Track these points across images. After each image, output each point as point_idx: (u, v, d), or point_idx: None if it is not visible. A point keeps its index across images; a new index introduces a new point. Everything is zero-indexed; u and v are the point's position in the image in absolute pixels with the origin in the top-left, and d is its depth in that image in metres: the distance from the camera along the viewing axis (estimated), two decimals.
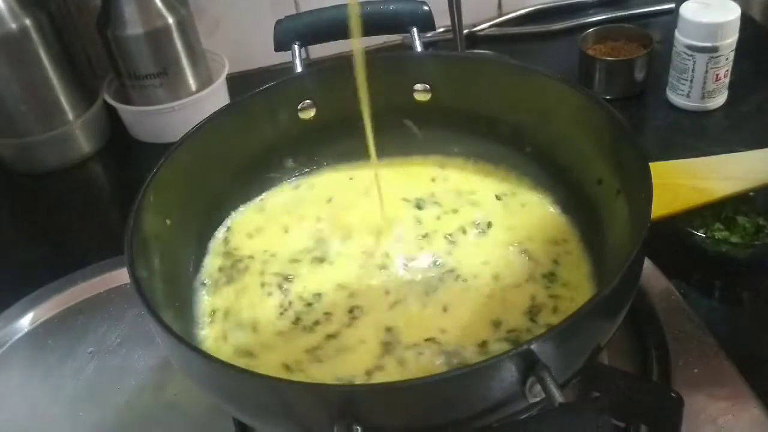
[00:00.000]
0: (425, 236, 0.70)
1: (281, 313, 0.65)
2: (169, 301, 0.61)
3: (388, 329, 0.62)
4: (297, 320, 0.64)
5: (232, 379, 0.51)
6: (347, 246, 0.70)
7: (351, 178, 0.77)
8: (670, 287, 0.74)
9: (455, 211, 0.72)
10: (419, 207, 0.73)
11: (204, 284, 0.69)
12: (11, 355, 0.78)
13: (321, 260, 0.70)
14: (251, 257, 0.71)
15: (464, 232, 0.70)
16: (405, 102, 0.75)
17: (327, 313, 0.64)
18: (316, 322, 0.64)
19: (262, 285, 0.68)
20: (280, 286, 0.68)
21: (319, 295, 0.66)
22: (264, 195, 0.76)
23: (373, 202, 0.73)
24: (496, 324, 0.61)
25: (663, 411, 0.55)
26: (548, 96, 0.68)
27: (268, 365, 0.61)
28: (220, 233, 0.73)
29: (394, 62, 0.76)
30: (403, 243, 0.70)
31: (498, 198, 0.73)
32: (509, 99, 0.71)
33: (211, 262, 0.71)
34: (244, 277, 0.69)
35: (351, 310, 0.64)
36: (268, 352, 0.62)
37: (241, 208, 0.75)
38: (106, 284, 0.82)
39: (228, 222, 0.74)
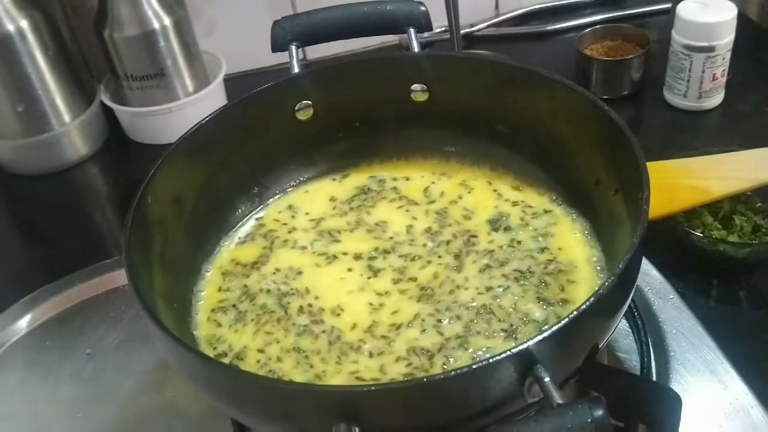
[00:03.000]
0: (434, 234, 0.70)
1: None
2: (167, 302, 0.61)
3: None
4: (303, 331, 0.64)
5: (230, 381, 0.51)
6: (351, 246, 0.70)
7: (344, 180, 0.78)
8: (667, 286, 0.74)
9: (467, 217, 0.72)
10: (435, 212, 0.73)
11: (203, 284, 0.69)
12: (9, 356, 0.78)
13: (320, 265, 0.69)
14: (253, 259, 0.71)
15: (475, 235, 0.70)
16: (402, 102, 0.75)
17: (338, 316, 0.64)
18: (326, 331, 0.64)
19: (264, 289, 0.68)
20: (283, 293, 0.67)
21: (339, 307, 0.65)
22: (264, 196, 0.76)
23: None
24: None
25: (662, 410, 0.55)
26: (545, 96, 0.68)
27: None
28: (219, 236, 0.73)
29: (392, 63, 0.76)
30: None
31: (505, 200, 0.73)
32: (506, 99, 0.71)
33: (211, 266, 0.71)
34: (245, 281, 0.69)
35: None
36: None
37: (242, 211, 0.75)
38: (103, 286, 0.82)
39: (227, 224, 0.74)
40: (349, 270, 0.68)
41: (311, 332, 0.63)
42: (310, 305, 0.66)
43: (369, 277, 0.67)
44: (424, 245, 0.69)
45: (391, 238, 0.70)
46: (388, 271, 0.67)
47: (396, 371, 0.59)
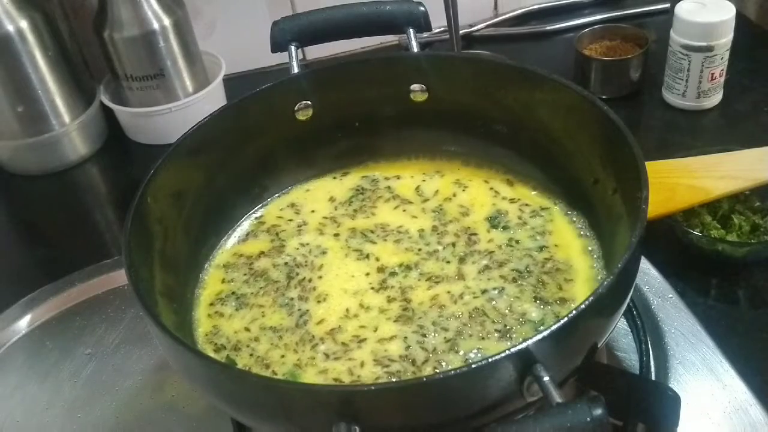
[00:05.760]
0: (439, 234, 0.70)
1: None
2: (167, 302, 0.61)
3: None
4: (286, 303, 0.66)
5: (230, 381, 0.51)
6: (355, 245, 0.71)
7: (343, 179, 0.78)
8: (666, 286, 0.74)
9: (464, 215, 0.72)
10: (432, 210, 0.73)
11: (204, 281, 0.69)
12: (9, 357, 0.78)
13: (349, 256, 0.69)
14: (259, 251, 0.71)
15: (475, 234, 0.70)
16: (402, 102, 0.75)
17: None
18: (301, 310, 0.65)
19: (278, 263, 0.69)
20: (298, 263, 0.69)
21: (325, 296, 0.66)
22: (264, 195, 0.77)
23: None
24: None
25: (661, 409, 0.55)
26: (544, 96, 0.68)
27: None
28: (220, 235, 0.73)
29: (391, 63, 0.76)
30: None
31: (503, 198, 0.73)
32: (505, 99, 0.71)
33: (211, 264, 0.71)
34: (251, 267, 0.70)
35: (347, 313, 0.64)
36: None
37: (242, 210, 0.75)
38: (103, 286, 0.82)
39: (227, 224, 0.74)
40: (367, 274, 0.67)
41: (291, 307, 0.65)
42: (309, 280, 0.67)
43: (372, 288, 0.66)
44: (436, 251, 0.69)
45: (420, 249, 0.69)
46: (392, 290, 0.66)
47: (368, 371, 0.59)
